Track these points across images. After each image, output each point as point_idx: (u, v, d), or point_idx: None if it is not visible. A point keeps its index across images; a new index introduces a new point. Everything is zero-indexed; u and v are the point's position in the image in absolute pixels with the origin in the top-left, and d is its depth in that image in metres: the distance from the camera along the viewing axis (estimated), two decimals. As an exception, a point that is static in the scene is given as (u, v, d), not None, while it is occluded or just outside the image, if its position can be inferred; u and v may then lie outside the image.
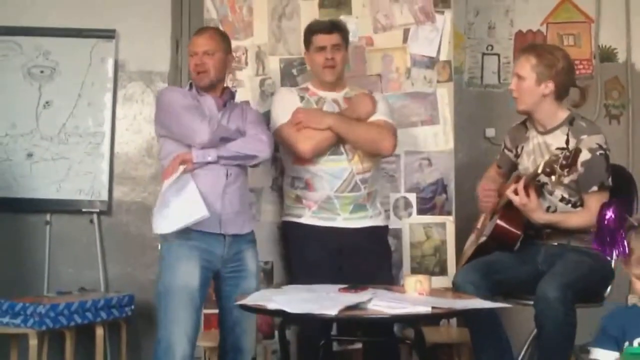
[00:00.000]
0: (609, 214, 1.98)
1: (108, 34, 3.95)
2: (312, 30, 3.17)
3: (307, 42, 3.18)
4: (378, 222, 3.16)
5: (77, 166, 3.89)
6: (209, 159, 2.83)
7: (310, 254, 3.03)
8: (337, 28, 3.16)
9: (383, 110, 3.15)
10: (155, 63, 3.97)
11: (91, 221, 3.86)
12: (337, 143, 3.07)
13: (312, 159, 3.06)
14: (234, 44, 3.20)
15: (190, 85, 3.01)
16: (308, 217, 3.09)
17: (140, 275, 3.66)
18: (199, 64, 2.93)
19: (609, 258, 2.63)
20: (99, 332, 3.51)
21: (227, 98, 3.01)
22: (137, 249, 3.75)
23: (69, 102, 3.93)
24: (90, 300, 3.49)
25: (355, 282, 2.59)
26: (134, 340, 3.74)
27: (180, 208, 2.74)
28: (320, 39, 3.13)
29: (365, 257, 3.04)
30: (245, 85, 3.52)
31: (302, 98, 3.17)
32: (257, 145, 2.92)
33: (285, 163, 3.24)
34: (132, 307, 3.64)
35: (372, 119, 3.12)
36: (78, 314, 3.41)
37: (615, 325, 1.99)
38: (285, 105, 3.13)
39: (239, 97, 3.22)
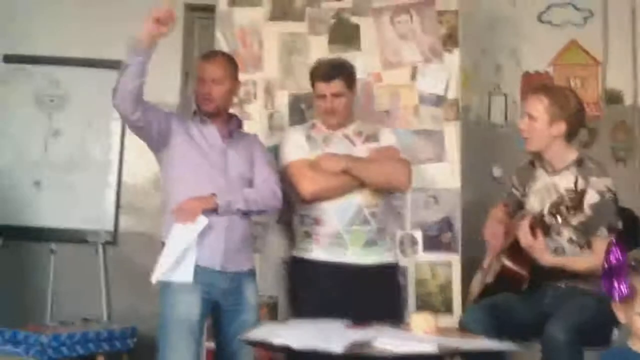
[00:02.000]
0: (615, 254, 1.98)
1: (117, 64, 3.96)
2: (313, 75, 3.13)
3: (311, 84, 3.16)
4: (389, 258, 3.12)
5: (84, 195, 3.92)
6: (233, 210, 2.83)
7: (317, 290, 2.99)
8: (336, 75, 3.07)
9: (396, 146, 3.15)
10: (165, 94, 3.97)
11: (96, 251, 3.86)
12: (352, 189, 3.02)
13: (315, 201, 3.03)
14: (243, 77, 3.21)
15: (195, 112, 2.99)
16: (317, 252, 3.05)
17: (144, 307, 3.62)
18: (206, 92, 2.90)
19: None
20: (101, 363, 3.50)
21: (233, 127, 2.98)
22: (141, 281, 3.67)
23: (78, 131, 3.96)
24: (93, 331, 3.48)
25: (363, 320, 2.56)
26: (136, 372, 3.73)
27: (173, 262, 2.75)
28: (320, 87, 3.09)
29: (375, 296, 2.97)
30: (254, 118, 3.54)
31: (308, 137, 3.13)
32: (270, 200, 2.93)
33: (294, 200, 3.20)
34: (135, 339, 3.62)
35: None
36: (80, 344, 3.39)
37: None
38: (293, 144, 3.12)
39: (247, 130, 3.23)
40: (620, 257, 1.98)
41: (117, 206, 3.92)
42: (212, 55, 3.08)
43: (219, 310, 2.87)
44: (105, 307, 3.83)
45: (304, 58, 3.58)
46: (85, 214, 3.90)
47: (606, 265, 2.00)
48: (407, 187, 3.14)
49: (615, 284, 1.97)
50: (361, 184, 3.04)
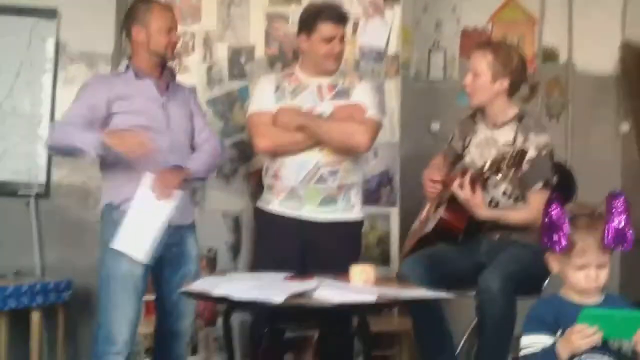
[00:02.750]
0: (555, 208, 2.03)
1: (49, 13, 3.83)
2: (319, 16, 2.92)
3: (309, 26, 2.94)
4: (349, 216, 3.01)
5: (14, 147, 3.78)
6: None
7: (274, 242, 2.97)
8: (345, 19, 2.97)
9: (369, 104, 3.01)
10: (99, 44, 3.85)
11: (27, 204, 3.76)
12: (308, 147, 2.94)
13: (270, 155, 3.00)
14: (181, 28, 3.13)
15: (127, 67, 2.88)
16: (275, 205, 3.00)
17: (79, 260, 3.58)
18: (175, 42, 2.87)
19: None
20: (35, 317, 3.44)
21: (168, 80, 2.92)
22: (75, 234, 3.66)
23: (6, 82, 3.80)
24: (26, 284, 3.41)
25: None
26: (71, 325, 3.66)
27: (132, 233, 2.70)
28: (329, 30, 2.91)
29: (331, 252, 2.90)
30: (191, 71, 3.49)
31: (277, 87, 3.02)
32: (218, 158, 3.01)
33: None
34: (70, 292, 3.57)
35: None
36: (13, 297, 3.33)
37: (550, 313, 2.05)
38: (261, 94, 3.03)
39: (185, 83, 3.16)
40: (560, 211, 2.03)
41: (50, 158, 3.79)
42: (159, 3, 2.99)
43: (160, 263, 2.85)
44: (38, 260, 3.74)
45: (243, 10, 3.53)
46: (16, 166, 3.77)
47: (546, 219, 2.05)
48: (366, 148, 2.98)
49: (554, 237, 2.03)
50: (319, 142, 2.95)
